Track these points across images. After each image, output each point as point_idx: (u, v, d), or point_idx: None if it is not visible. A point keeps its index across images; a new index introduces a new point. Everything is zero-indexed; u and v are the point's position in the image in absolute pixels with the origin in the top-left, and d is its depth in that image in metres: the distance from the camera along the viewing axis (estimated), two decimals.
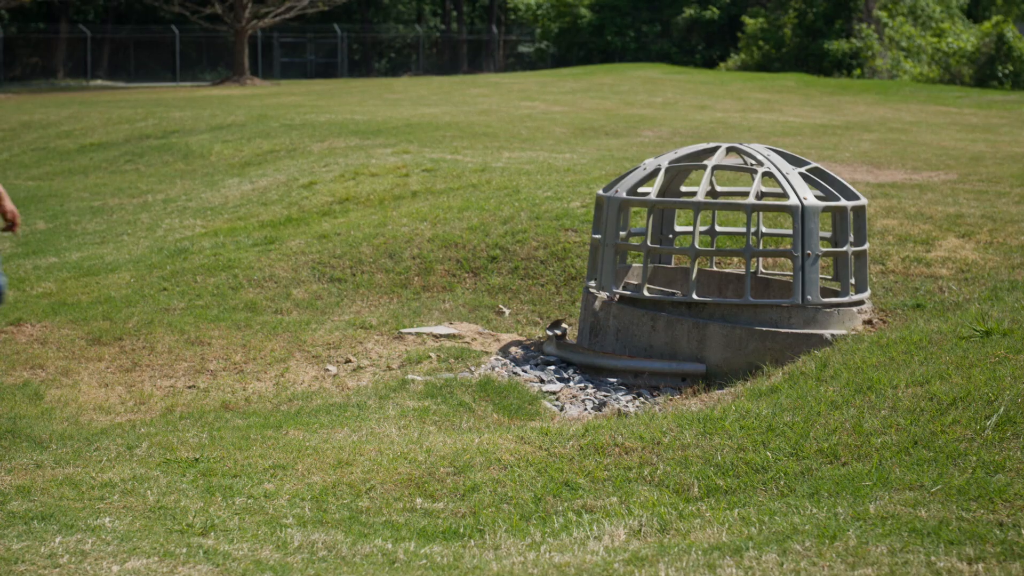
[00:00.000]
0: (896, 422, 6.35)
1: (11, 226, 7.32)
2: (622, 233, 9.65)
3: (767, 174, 9.29)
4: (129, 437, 7.43)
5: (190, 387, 9.13)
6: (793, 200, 8.98)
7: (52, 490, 6.22)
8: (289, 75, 59.16)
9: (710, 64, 52.47)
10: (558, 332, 9.71)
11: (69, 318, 10.36)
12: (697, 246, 9.18)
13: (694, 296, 9.12)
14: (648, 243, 9.27)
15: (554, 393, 8.98)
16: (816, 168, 9.53)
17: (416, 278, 11.42)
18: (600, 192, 9.69)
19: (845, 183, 9.52)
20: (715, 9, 53.77)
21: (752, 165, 9.51)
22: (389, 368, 9.41)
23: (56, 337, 9.94)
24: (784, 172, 9.22)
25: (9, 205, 7.28)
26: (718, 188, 10.46)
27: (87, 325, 10.19)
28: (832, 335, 8.87)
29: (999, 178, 15.01)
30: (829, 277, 9.88)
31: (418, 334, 10.12)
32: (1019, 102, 31.21)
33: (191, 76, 58.15)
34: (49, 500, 6.07)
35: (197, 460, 6.70)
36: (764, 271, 10.45)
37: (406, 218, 12.71)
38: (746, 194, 9.40)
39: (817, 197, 9.26)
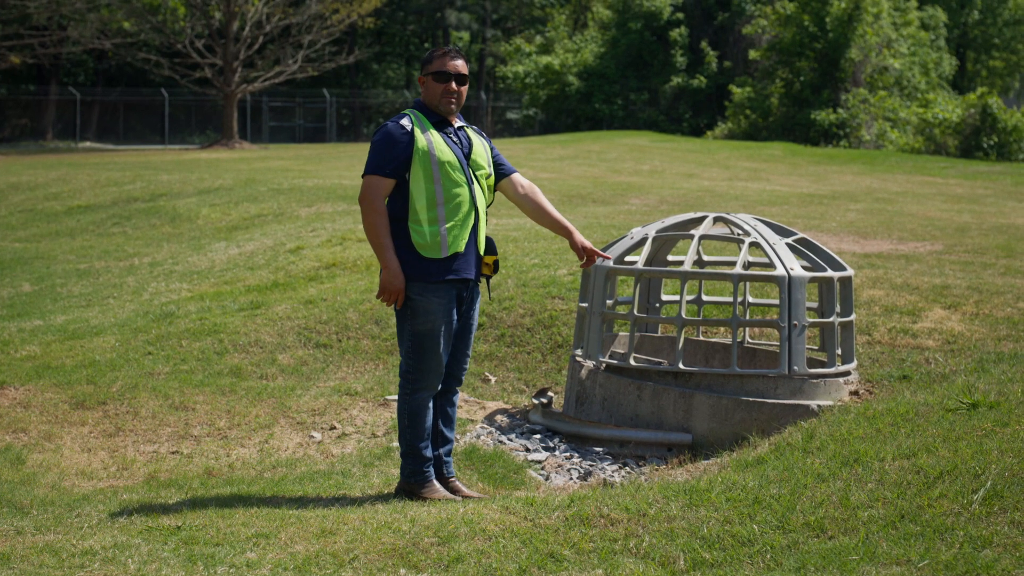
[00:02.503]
0: (883, 495, 6.32)
1: None
2: (609, 301, 9.65)
3: (754, 244, 9.30)
4: (111, 503, 7.37)
5: (173, 453, 9.07)
6: (780, 270, 8.99)
7: (32, 557, 6.15)
8: (278, 139, 59.35)
9: (697, 132, 52.78)
10: (544, 400, 9.68)
11: (53, 381, 10.31)
12: (684, 315, 9.18)
13: (681, 365, 9.11)
14: (635, 312, 9.26)
15: (540, 462, 8.94)
16: (803, 239, 9.55)
17: None
18: None
19: (832, 253, 9.54)
20: (702, 78, 54.13)
21: (739, 235, 9.52)
22: (374, 435, 9.37)
23: (39, 401, 9.89)
24: (771, 242, 9.24)
25: None
26: (705, 257, 10.48)
27: (71, 389, 10.13)
28: (819, 406, 8.86)
29: (985, 249, 15.05)
30: (816, 347, 9.87)
31: None
32: (1004, 173, 31.39)
33: (180, 139, 58.32)
34: (29, 568, 6.01)
35: (179, 528, 6.64)
36: (751, 341, 10.45)
37: None
38: (733, 264, 9.42)
39: (804, 267, 9.27)
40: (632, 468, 8.88)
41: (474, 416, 9.81)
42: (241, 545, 6.30)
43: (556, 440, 9.34)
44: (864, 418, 7.96)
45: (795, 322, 8.92)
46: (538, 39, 61.99)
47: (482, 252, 7.49)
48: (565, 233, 7.66)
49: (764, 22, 50.16)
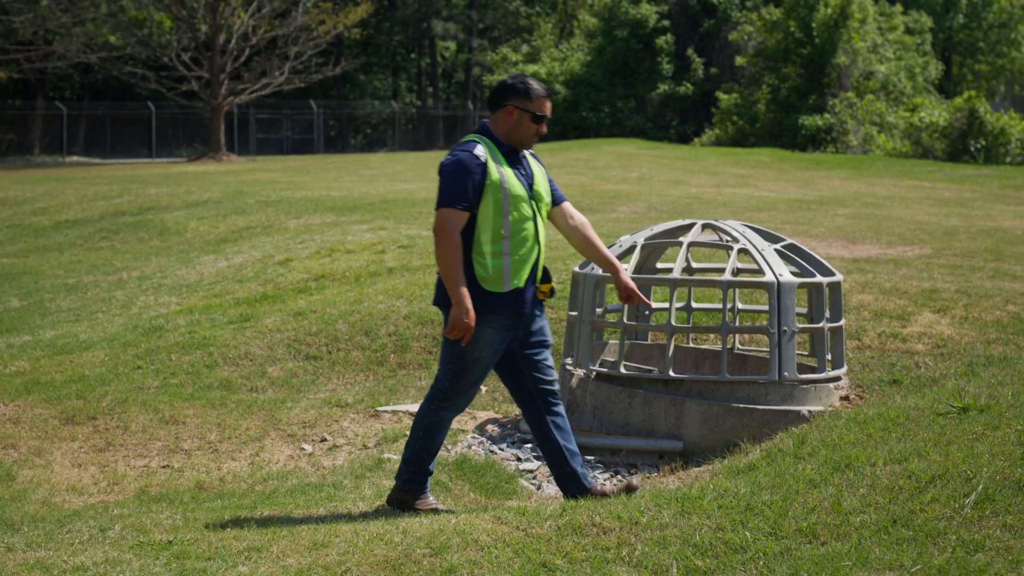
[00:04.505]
0: (875, 500, 6.31)
1: None
2: (598, 310, 9.65)
3: (743, 250, 9.31)
4: (102, 519, 7.34)
5: (164, 467, 9.05)
6: (769, 277, 8.99)
7: (23, 574, 6.12)
8: (265, 151, 59.30)
9: (685, 139, 52.85)
10: None
11: (42, 397, 10.28)
12: (673, 323, 9.17)
13: (671, 373, 9.10)
14: (624, 320, 9.26)
15: (531, 471, 8.93)
16: (791, 244, 9.56)
17: (392, 355, 11.38)
18: (576, 269, 9.69)
19: (820, 259, 9.54)
20: (689, 85, 54.22)
21: (728, 242, 9.53)
22: (365, 447, 9.35)
23: (29, 416, 9.86)
24: (760, 248, 9.24)
25: None
26: (694, 264, 10.48)
27: (60, 404, 10.11)
28: (809, 412, 8.86)
29: (973, 252, 15.08)
30: (805, 353, 9.88)
31: (394, 412, 10.07)
32: (991, 176, 31.45)
33: (167, 152, 58.26)
34: None
35: (171, 543, 6.61)
36: (741, 347, 10.45)
37: (382, 295, 12.69)
38: (722, 270, 9.43)
39: (793, 273, 9.27)
40: (624, 476, 8.87)
41: (465, 426, 9.80)
42: (233, 559, 6.28)
43: None
44: (855, 423, 7.96)
45: (785, 328, 8.93)
46: (524, 48, 62.06)
47: (538, 282, 7.38)
48: (612, 270, 7.57)
49: (750, 28, 50.26)
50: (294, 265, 15.21)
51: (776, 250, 9.32)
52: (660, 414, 9.07)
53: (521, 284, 7.23)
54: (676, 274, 9.33)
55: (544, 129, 7.30)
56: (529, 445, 9.35)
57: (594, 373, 9.44)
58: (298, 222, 19.74)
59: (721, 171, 32.27)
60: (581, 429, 9.34)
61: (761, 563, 5.81)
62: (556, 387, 7.49)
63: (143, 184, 28.75)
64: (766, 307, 9.77)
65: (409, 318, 11.88)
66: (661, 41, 54.77)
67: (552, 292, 7.45)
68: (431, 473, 7.51)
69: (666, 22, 55.48)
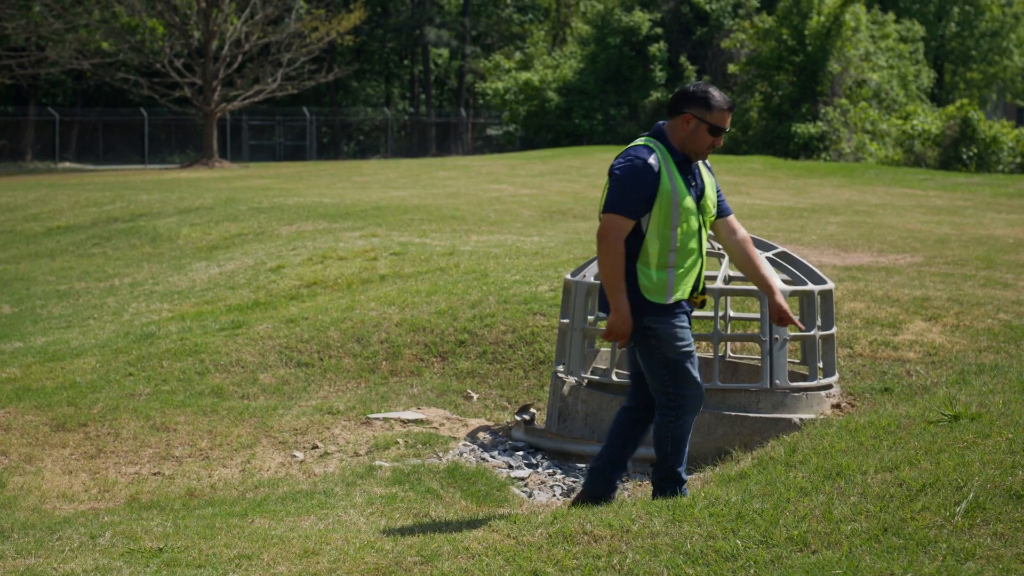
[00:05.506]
0: (866, 509, 6.32)
1: None
2: (590, 317, 9.65)
3: None
4: (92, 526, 7.33)
5: (155, 474, 9.03)
6: None
7: None
8: (258, 158, 59.30)
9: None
10: (526, 417, 9.67)
11: (33, 404, 10.26)
12: None
13: None
14: None
15: (522, 479, 8.92)
16: (783, 252, 9.56)
17: (384, 363, 11.38)
18: (568, 276, 9.68)
19: (812, 267, 9.55)
20: None
21: (719, 249, 9.53)
22: (356, 454, 9.35)
23: (20, 423, 9.84)
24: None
25: None
26: None
27: (51, 411, 10.09)
28: (801, 419, 8.86)
29: (965, 260, 15.10)
30: (797, 361, 9.88)
31: (386, 419, 10.07)
32: (983, 184, 31.50)
33: (159, 158, 58.24)
34: None
35: (161, 550, 6.61)
36: (732, 355, 10.45)
37: (374, 302, 12.68)
38: (714, 278, 9.43)
39: (785, 281, 9.28)
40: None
41: (456, 433, 9.80)
42: (223, 567, 6.27)
43: (539, 457, 9.33)
44: (846, 431, 7.96)
45: (776, 336, 8.93)
46: (517, 55, 62.06)
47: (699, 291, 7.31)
48: (768, 291, 7.40)
49: (743, 36, 50.30)
50: (286, 272, 15.21)
51: (768, 258, 9.32)
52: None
53: (685, 296, 7.16)
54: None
55: (720, 142, 7.14)
56: (520, 453, 9.35)
57: (586, 381, 9.44)
58: (290, 229, 19.74)
59: None
60: (572, 437, 9.34)
61: (752, 571, 5.81)
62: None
63: (135, 190, 28.73)
64: (757, 315, 9.77)
65: (401, 325, 11.88)
66: (654, 48, 54.81)
67: (703, 303, 7.37)
68: (686, 479, 7.45)
69: (659, 29, 55.53)
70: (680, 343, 7.14)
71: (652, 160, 7.02)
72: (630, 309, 7.06)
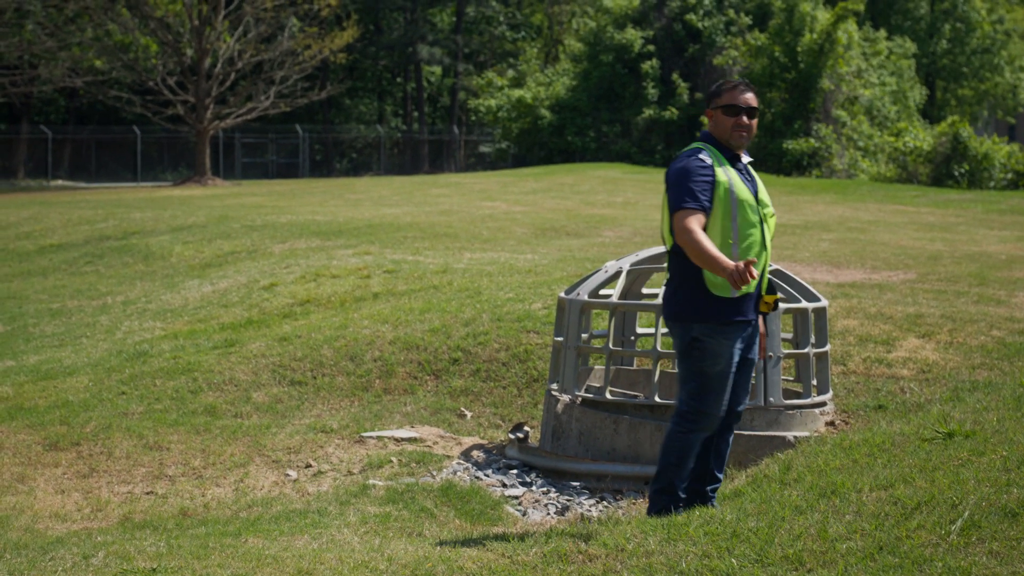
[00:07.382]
0: (861, 527, 6.31)
1: None
2: (584, 335, 9.64)
3: None
4: (85, 546, 7.29)
5: (148, 493, 9.01)
6: None
7: None
8: (250, 175, 59.27)
9: (670, 164, 52.80)
10: (520, 435, 9.66)
11: (26, 423, 10.24)
12: (659, 348, 9.17)
13: (656, 399, 9.09)
14: (610, 345, 9.25)
15: (516, 498, 8.90)
16: (776, 270, 9.57)
17: (377, 381, 11.36)
18: (562, 295, 9.68)
19: (806, 284, 9.55)
20: (674, 110, 54.29)
21: None
22: (350, 473, 9.32)
23: (12, 442, 9.81)
24: None
25: None
26: None
27: (44, 430, 10.06)
28: (795, 437, 8.85)
29: (957, 277, 15.11)
30: (791, 378, 9.88)
31: (379, 438, 10.04)
32: (975, 201, 31.54)
33: (152, 176, 58.21)
34: None
35: (154, 570, 6.58)
36: None
37: (367, 320, 12.67)
38: None
39: (778, 300, 9.26)
40: (609, 502, 8.85)
41: (450, 452, 9.78)
42: None
43: (533, 475, 9.31)
44: (841, 449, 7.95)
45: (770, 354, 8.93)
46: (510, 73, 62.13)
47: (763, 292, 7.31)
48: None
49: (735, 53, 50.37)
50: (279, 290, 15.19)
51: None
52: (646, 440, 9.06)
53: (751, 290, 7.18)
54: (662, 300, 9.32)
55: (744, 120, 7.20)
56: (515, 471, 9.33)
57: (580, 399, 9.42)
58: (283, 247, 19.73)
59: None
60: (567, 455, 9.32)
61: None
62: (741, 409, 7.44)
63: (128, 208, 28.71)
64: None
65: (394, 343, 11.86)
66: (646, 66, 54.86)
67: (776, 305, 7.36)
68: (683, 500, 7.35)
69: (651, 47, 55.57)
70: (723, 361, 7.14)
71: (703, 156, 7.16)
72: (685, 315, 7.13)
